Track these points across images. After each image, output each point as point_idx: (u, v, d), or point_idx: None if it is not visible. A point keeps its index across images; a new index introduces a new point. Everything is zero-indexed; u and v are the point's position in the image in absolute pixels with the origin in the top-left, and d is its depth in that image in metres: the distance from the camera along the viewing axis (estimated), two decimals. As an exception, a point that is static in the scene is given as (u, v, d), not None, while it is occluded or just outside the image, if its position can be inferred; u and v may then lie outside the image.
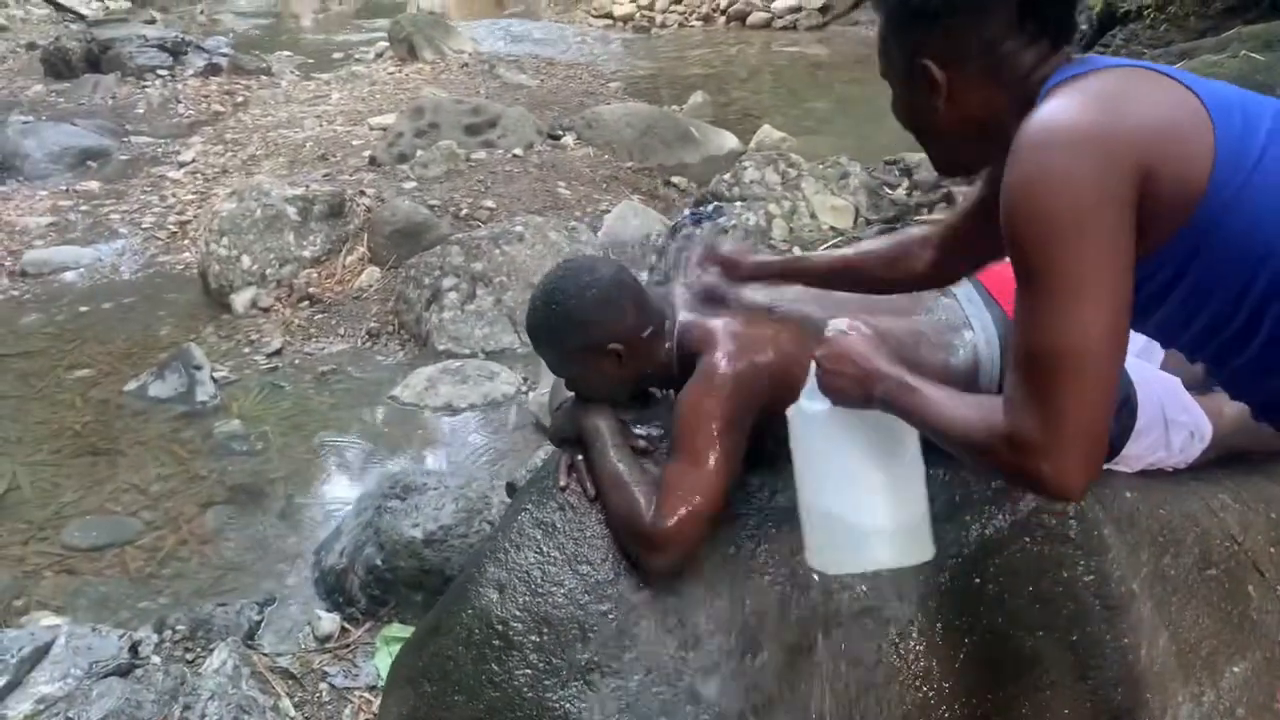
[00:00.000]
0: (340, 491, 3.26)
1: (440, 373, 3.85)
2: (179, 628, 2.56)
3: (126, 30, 9.78)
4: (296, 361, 4.11)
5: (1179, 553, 1.66)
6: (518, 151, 5.77)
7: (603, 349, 1.63)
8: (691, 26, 11.62)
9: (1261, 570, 1.69)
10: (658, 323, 1.68)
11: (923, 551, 1.39)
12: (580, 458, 1.65)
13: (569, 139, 6.16)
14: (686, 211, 4.02)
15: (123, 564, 2.97)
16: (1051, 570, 1.59)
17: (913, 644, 1.56)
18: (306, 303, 4.50)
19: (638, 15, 11.99)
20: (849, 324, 1.37)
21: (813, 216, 3.22)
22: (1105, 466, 1.72)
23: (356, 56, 10.18)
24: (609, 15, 12.20)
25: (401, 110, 6.54)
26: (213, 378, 3.88)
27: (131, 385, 3.89)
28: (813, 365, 1.37)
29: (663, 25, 11.74)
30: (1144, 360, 1.73)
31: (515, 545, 1.60)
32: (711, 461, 1.51)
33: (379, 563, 2.64)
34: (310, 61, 10.15)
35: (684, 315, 1.69)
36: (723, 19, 11.50)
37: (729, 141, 6.24)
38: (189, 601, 2.76)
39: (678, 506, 1.50)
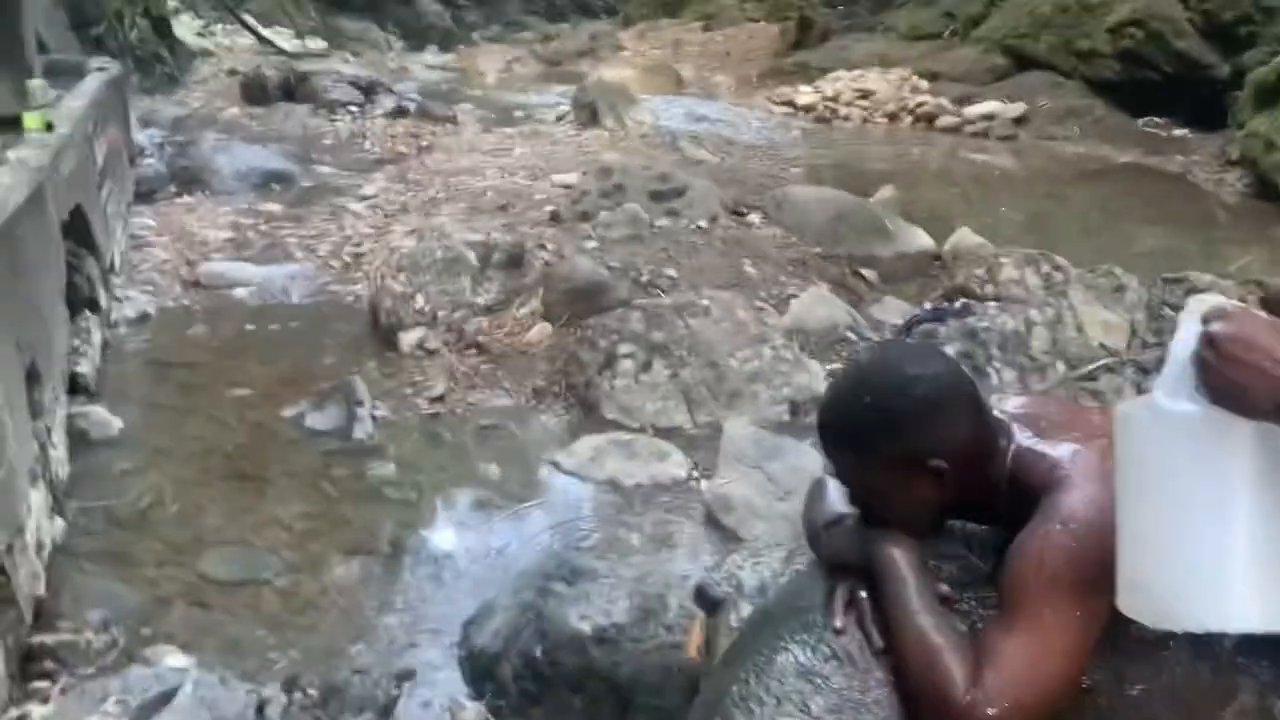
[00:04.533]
0: (495, 562, 2.96)
1: (608, 444, 3.56)
2: (311, 691, 2.33)
3: (324, 65, 10.10)
4: (458, 411, 3.88)
5: None
6: (702, 223, 5.51)
7: (923, 464, 1.26)
8: (875, 123, 11.32)
9: None
10: (995, 442, 1.31)
11: None
12: (864, 594, 1.29)
13: (755, 217, 5.89)
14: (926, 305, 3.62)
15: (257, 604, 2.74)
16: None
17: None
18: (474, 351, 4.30)
19: (820, 106, 11.75)
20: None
21: (1079, 330, 2.80)
22: None
23: (538, 117, 10.23)
24: (790, 103, 11.98)
25: (585, 170, 6.40)
26: (373, 415, 3.68)
27: (289, 412, 3.72)
28: (1183, 343, 1.00)
29: (845, 119, 11.46)
30: None
31: (775, 697, 1.23)
32: (1057, 635, 1.14)
33: (539, 654, 2.33)
34: (492, 116, 10.25)
35: (1023, 438, 1.32)
36: (909, 118, 11.16)
37: (922, 239, 5.83)
38: (321, 659, 2.51)
39: (1009, 688, 1.12)
